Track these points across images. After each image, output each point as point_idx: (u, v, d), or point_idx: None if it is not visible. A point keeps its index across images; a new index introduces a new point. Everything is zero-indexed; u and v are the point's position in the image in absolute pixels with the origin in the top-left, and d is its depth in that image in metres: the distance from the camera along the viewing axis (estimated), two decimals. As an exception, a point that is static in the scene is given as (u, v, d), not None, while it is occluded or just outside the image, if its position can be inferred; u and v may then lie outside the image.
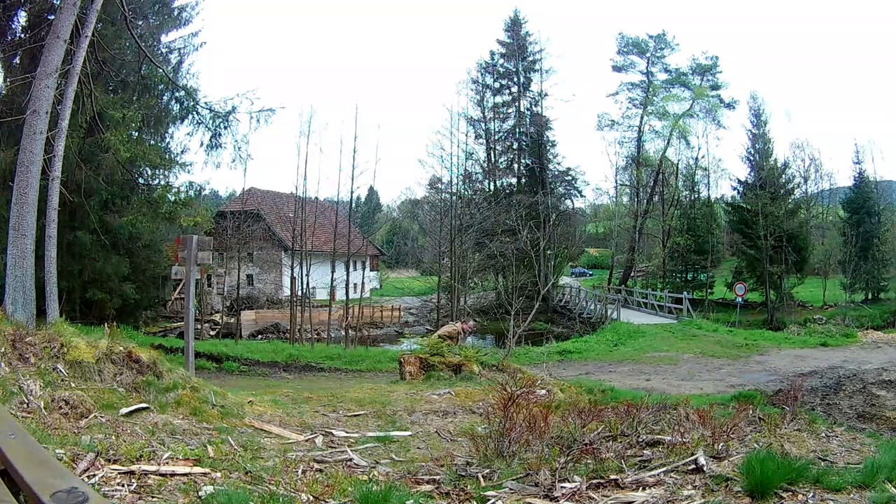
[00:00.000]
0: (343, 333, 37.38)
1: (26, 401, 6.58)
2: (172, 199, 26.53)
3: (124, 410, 6.94)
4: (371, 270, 66.01)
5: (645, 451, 5.66)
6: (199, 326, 35.10)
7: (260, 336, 40.61)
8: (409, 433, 8.42)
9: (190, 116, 26.44)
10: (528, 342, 30.13)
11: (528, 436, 5.63)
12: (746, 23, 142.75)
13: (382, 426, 8.73)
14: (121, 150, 21.28)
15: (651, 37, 61.71)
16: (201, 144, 26.11)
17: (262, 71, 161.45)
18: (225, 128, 24.82)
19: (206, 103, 25.04)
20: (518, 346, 20.85)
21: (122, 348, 8.10)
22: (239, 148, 26.84)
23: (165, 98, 27.42)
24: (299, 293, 39.29)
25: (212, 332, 38.32)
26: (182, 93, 25.99)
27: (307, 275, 38.29)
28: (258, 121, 25.07)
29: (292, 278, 40.10)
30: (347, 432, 8.17)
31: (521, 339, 22.09)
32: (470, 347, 15.45)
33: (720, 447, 5.63)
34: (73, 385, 7.26)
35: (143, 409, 7.16)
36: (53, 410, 6.54)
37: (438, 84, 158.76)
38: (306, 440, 7.61)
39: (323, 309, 40.51)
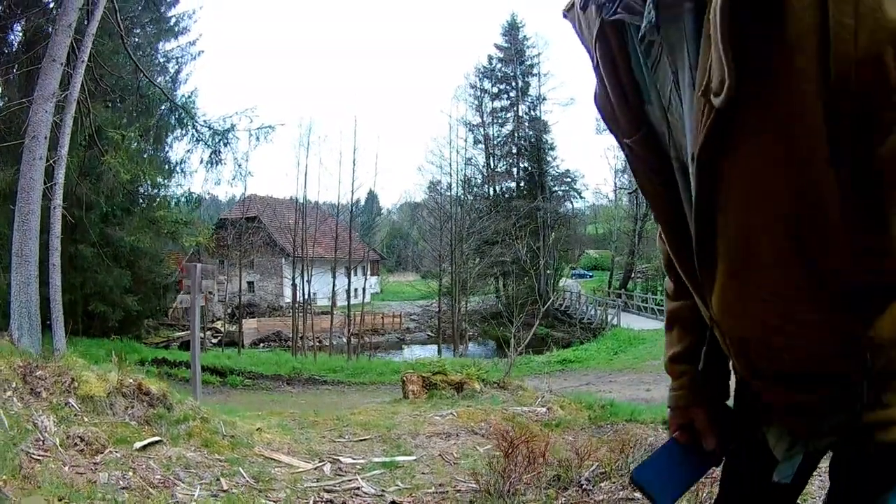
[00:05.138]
0: (345, 341, 37.60)
1: (42, 438, 6.76)
2: (174, 219, 26.71)
3: (138, 445, 7.12)
4: (372, 275, 66.18)
5: (636, 493, 5.86)
6: (202, 335, 35.33)
7: (262, 344, 40.84)
8: (414, 457, 8.61)
9: (189, 134, 26.53)
10: (529, 349, 30.34)
11: (527, 475, 5.84)
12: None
13: (388, 450, 8.92)
14: (121, 173, 21.39)
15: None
16: (201, 161, 26.30)
17: (260, 79, 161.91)
18: (224, 145, 24.97)
19: (204, 121, 25.16)
20: (519, 356, 21.06)
21: (131, 381, 8.28)
22: (239, 165, 27.03)
23: (164, 108, 27.33)
24: (301, 300, 39.53)
25: (214, 341, 38.55)
26: (182, 112, 26.02)
27: (308, 282, 38.58)
28: (257, 138, 25.33)
29: (293, 285, 40.34)
30: (354, 458, 8.36)
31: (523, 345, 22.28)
32: (472, 364, 15.66)
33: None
34: (86, 420, 7.43)
35: (156, 442, 7.36)
36: (70, 447, 6.73)
37: (438, 88, 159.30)
38: (315, 468, 7.80)
39: (325, 316, 40.75)
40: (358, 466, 8.05)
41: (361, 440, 9.49)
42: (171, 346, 33.21)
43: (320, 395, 20.80)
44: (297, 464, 7.92)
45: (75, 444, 6.80)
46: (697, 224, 1.11)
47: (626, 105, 1.25)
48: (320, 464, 8.01)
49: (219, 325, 42.77)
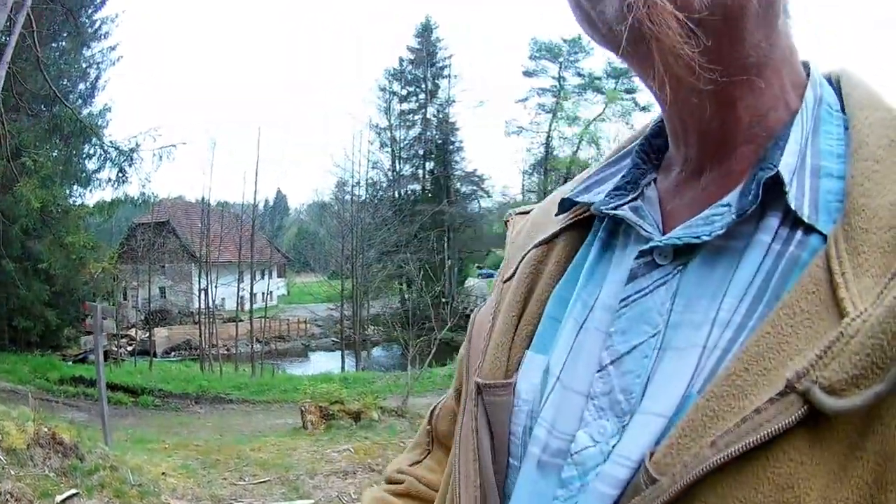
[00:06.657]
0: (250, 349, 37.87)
1: (-25, 496, 7.45)
2: (81, 243, 26.89)
3: (59, 498, 7.78)
4: (279, 276, 65.91)
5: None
6: (116, 344, 35.97)
7: (173, 353, 40.88)
8: (311, 501, 9.34)
9: (98, 153, 26.74)
10: (434, 360, 30.64)
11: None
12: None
13: (287, 493, 9.60)
14: (32, 200, 21.64)
15: (566, 41, 60.35)
16: (109, 181, 26.62)
17: (172, 83, 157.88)
18: (129, 165, 25.34)
19: (111, 141, 25.50)
20: (421, 370, 21.62)
21: (46, 430, 8.89)
22: (143, 185, 27.17)
23: (74, 126, 27.14)
24: (209, 304, 39.82)
25: (129, 348, 38.64)
26: (89, 131, 26.12)
27: (212, 287, 39.09)
28: (160, 157, 25.53)
29: (200, 291, 40.64)
30: None
31: (426, 356, 22.40)
32: (369, 390, 16.35)
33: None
34: (12, 473, 8.01)
35: (74, 495, 8.12)
36: (0, 504, 7.42)
37: (357, 88, 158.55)
38: (216, 515, 8.70)
39: (232, 323, 41.03)
40: (257, 511, 8.94)
41: (261, 482, 10.20)
42: (89, 357, 33.06)
43: (226, 415, 21.13)
44: (201, 511, 8.80)
45: (6, 501, 7.45)
46: None
47: (510, 338, 0.87)
48: (222, 510, 8.88)
49: (132, 332, 42.74)
